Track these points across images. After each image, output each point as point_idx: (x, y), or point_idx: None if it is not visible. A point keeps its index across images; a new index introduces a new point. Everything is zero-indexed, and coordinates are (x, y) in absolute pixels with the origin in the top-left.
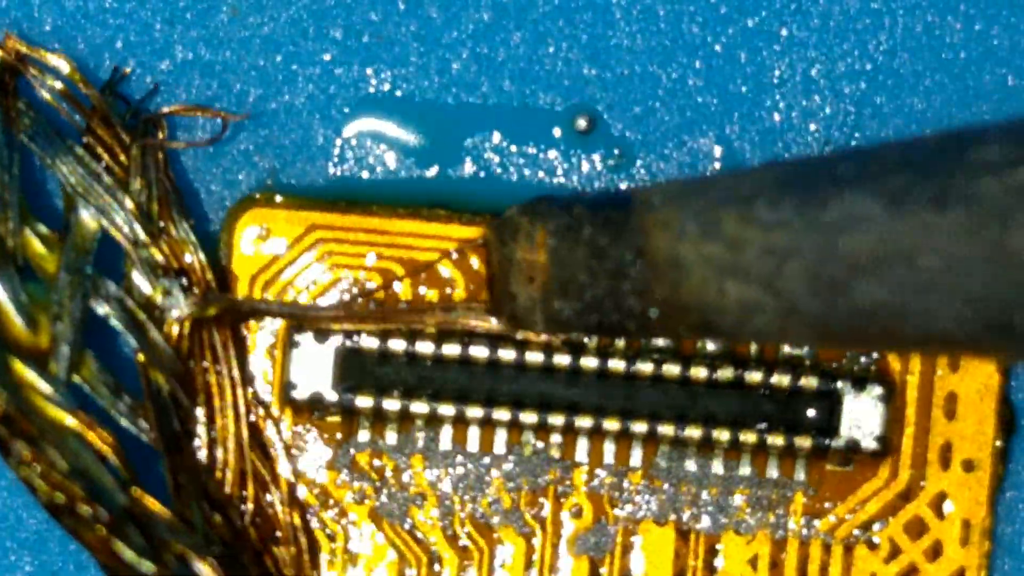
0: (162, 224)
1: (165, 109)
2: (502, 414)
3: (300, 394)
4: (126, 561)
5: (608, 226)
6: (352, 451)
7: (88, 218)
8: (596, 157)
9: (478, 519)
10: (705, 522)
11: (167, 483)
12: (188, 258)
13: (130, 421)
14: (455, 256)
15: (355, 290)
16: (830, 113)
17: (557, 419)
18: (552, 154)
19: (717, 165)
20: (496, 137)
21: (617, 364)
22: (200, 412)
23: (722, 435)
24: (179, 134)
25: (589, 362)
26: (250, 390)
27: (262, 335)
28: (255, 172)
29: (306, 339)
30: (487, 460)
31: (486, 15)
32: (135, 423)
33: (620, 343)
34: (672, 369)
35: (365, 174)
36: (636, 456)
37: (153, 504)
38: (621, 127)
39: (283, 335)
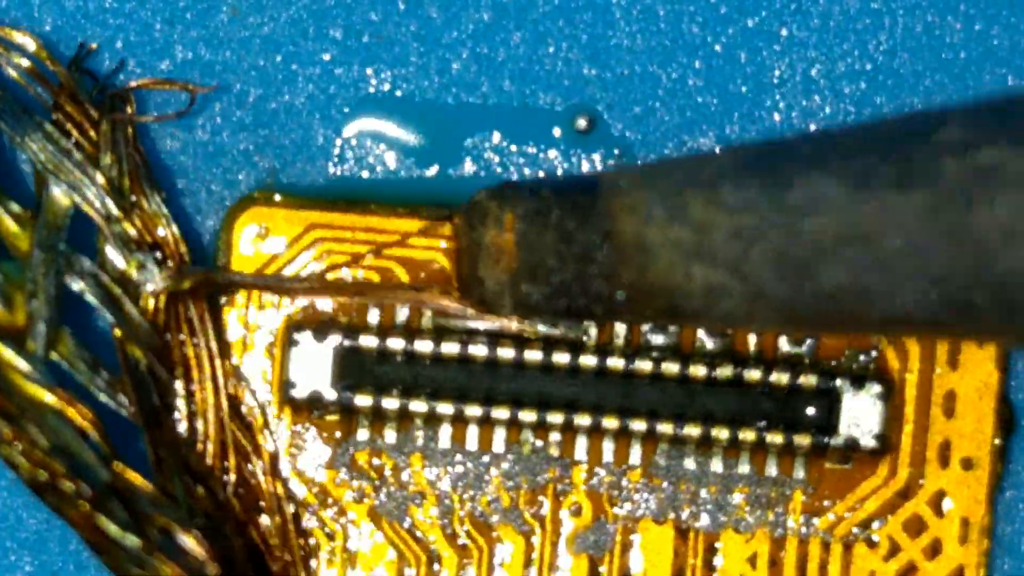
0: (134, 198)
1: (132, 83)
2: (501, 413)
3: (299, 393)
4: (110, 536)
5: (576, 210)
6: (351, 450)
7: (60, 195)
8: (596, 157)
9: (477, 518)
10: (704, 520)
11: (148, 457)
12: (161, 232)
13: (109, 396)
14: (415, 238)
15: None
16: (830, 113)
17: (556, 417)
18: (552, 154)
19: None
20: (496, 137)
21: (616, 362)
22: (179, 385)
23: (721, 433)
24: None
25: (588, 360)
26: (228, 362)
27: (261, 334)
28: (255, 172)
29: (305, 338)
30: (486, 459)
31: (486, 15)
32: (114, 398)
33: (619, 340)
34: (671, 367)
35: (365, 174)
36: (635, 454)
37: (135, 478)
38: (621, 127)
39: (282, 334)
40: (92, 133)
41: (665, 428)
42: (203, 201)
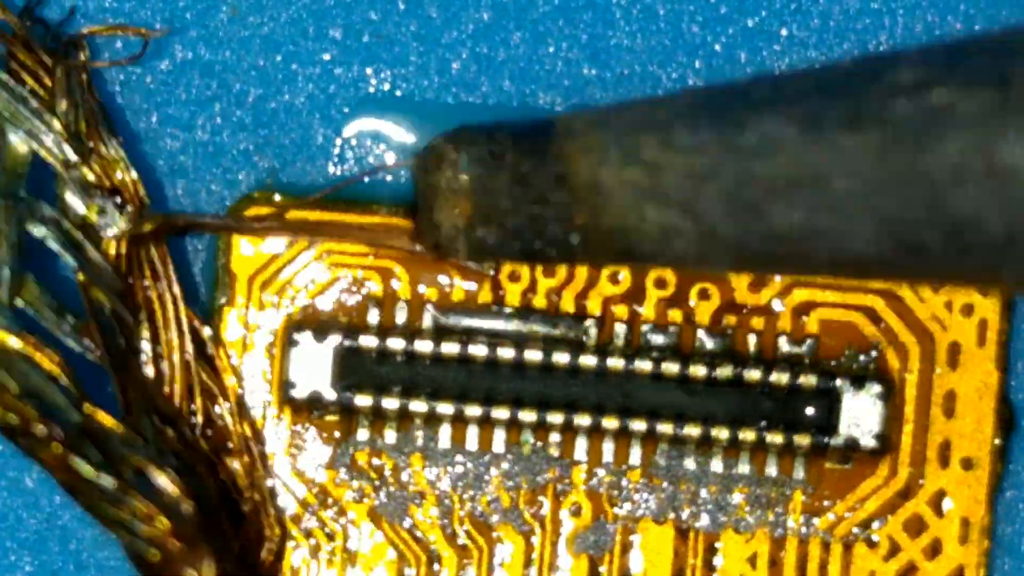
0: (91, 144)
1: (85, 30)
2: (501, 413)
3: (299, 393)
4: (85, 477)
5: (530, 153)
6: (351, 450)
7: (17, 142)
8: None
9: (477, 518)
10: (704, 520)
11: (117, 399)
12: (120, 176)
13: (75, 341)
14: (374, 177)
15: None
16: None
17: (556, 418)
18: None
19: None
20: None
21: (616, 362)
22: (144, 329)
23: (721, 433)
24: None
25: (588, 360)
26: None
27: (260, 334)
28: (255, 172)
29: (305, 338)
30: (486, 459)
31: (486, 15)
32: (80, 343)
33: (619, 341)
34: (671, 367)
35: None
36: (635, 454)
37: (106, 419)
38: None
39: (282, 334)
40: (47, 80)
41: (665, 428)
42: (203, 201)
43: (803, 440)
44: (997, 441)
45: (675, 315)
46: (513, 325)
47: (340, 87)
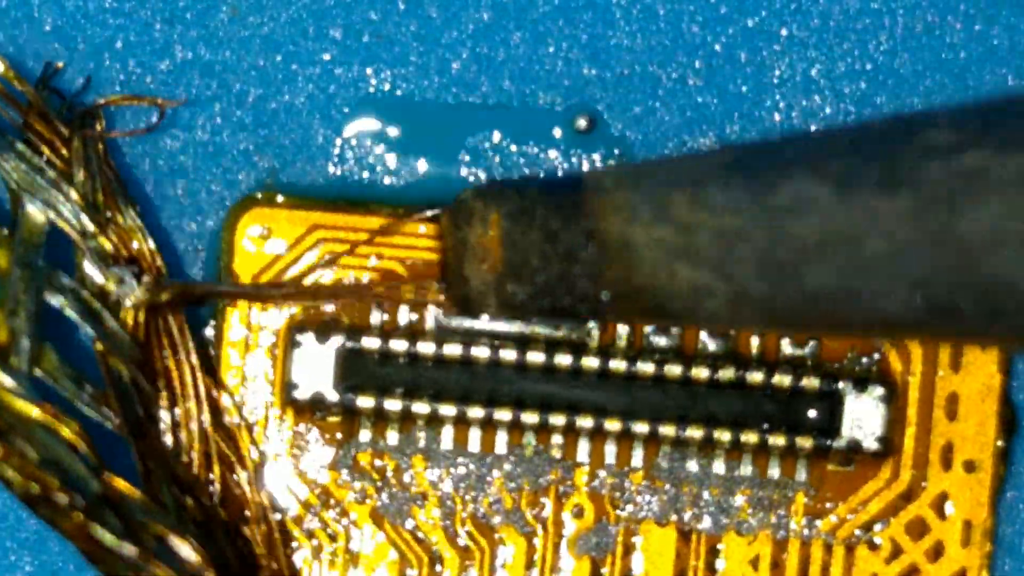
0: (108, 214)
1: (101, 100)
2: (503, 414)
3: (301, 394)
4: (106, 545)
5: (561, 209)
6: (353, 451)
7: (35, 212)
8: (596, 157)
9: (479, 519)
10: (706, 522)
11: (136, 468)
12: (136, 245)
13: (94, 410)
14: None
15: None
16: (830, 113)
17: (558, 419)
18: (552, 154)
19: None
20: (496, 137)
21: (618, 364)
22: (162, 397)
23: (723, 435)
24: (173, 131)
25: (590, 362)
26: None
27: (263, 335)
28: (255, 172)
29: (307, 339)
30: (488, 460)
31: (486, 15)
32: (99, 411)
33: (621, 343)
34: (673, 369)
35: (365, 174)
36: (637, 456)
37: (126, 487)
38: (621, 127)
39: (284, 335)
40: (63, 150)
41: (667, 430)
42: (203, 201)
43: (805, 442)
44: (999, 443)
45: None
46: (516, 327)
47: (340, 87)
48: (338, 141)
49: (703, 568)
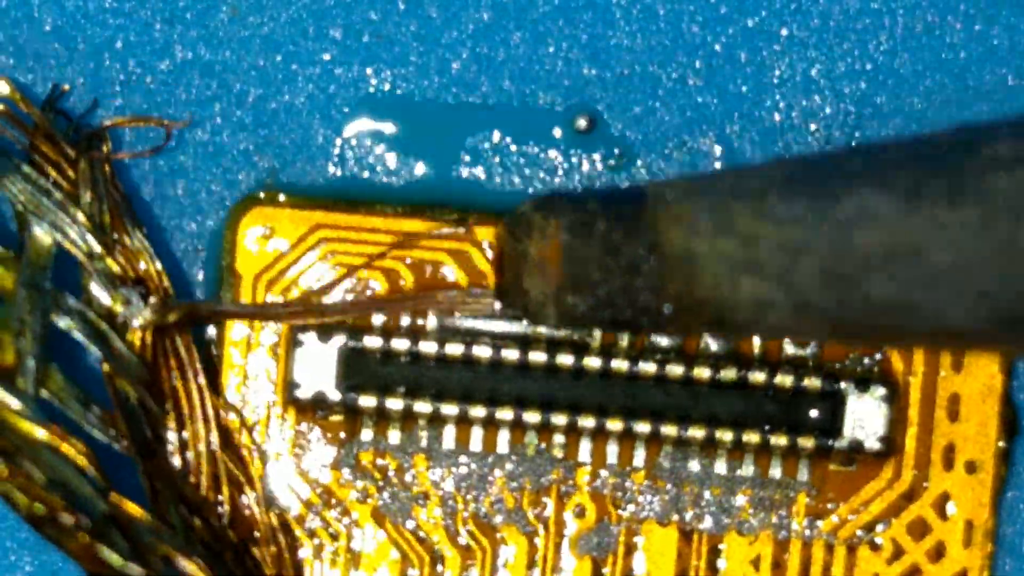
0: (115, 235)
1: (107, 122)
2: (505, 414)
3: (303, 393)
4: (113, 566)
5: (621, 221)
6: (355, 450)
7: (42, 234)
8: (596, 157)
9: (481, 519)
10: (708, 522)
11: (144, 489)
12: (143, 266)
13: (101, 431)
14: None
15: (349, 286)
16: (830, 113)
17: (560, 419)
18: (552, 154)
19: (717, 165)
20: (496, 137)
21: (620, 364)
22: (170, 418)
23: (725, 435)
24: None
25: (592, 362)
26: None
27: (265, 334)
28: (255, 172)
29: (310, 338)
30: (490, 460)
31: (486, 15)
32: (106, 433)
33: (623, 342)
34: (675, 369)
35: (365, 174)
36: (639, 456)
37: (133, 509)
38: (621, 127)
39: (286, 334)
40: (70, 172)
41: (669, 430)
42: (203, 201)
43: (807, 442)
44: (1001, 444)
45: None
46: (517, 326)
47: (340, 87)
48: (338, 141)
49: (704, 568)
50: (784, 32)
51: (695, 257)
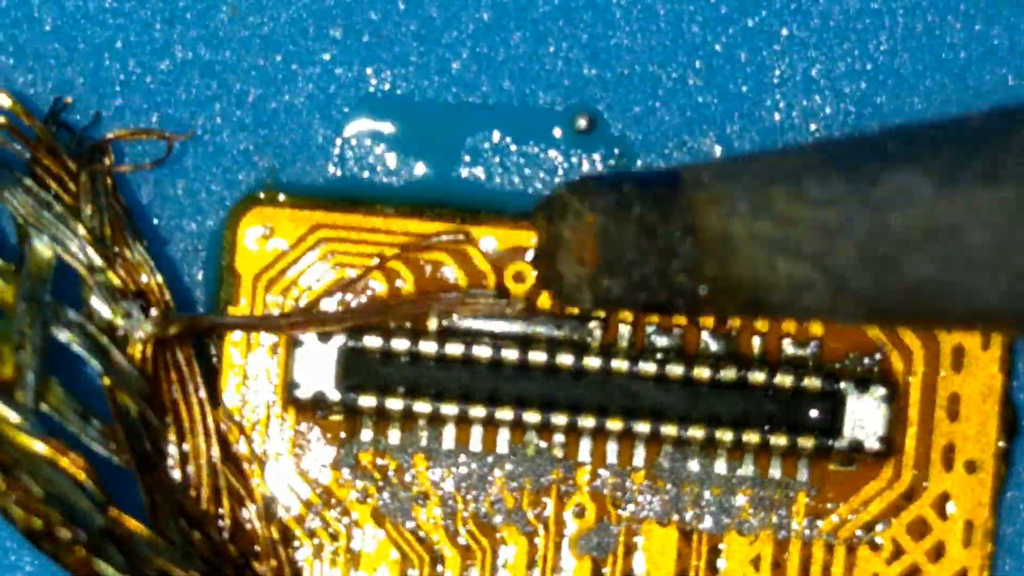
0: (116, 248)
1: (109, 135)
2: (505, 414)
3: (303, 393)
4: None
5: (657, 204)
6: (355, 450)
7: (42, 247)
8: (596, 157)
9: (481, 519)
10: (708, 522)
11: (143, 502)
12: (144, 279)
13: (101, 444)
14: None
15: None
16: (830, 113)
17: (560, 419)
18: (552, 154)
19: None
20: (496, 137)
21: (620, 364)
22: (170, 432)
23: (725, 435)
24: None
25: (592, 362)
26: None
27: (265, 335)
28: (255, 172)
29: (309, 338)
30: (490, 459)
31: (486, 15)
32: (106, 446)
33: (623, 342)
34: (675, 369)
35: (365, 174)
36: (639, 456)
37: (131, 523)
38: (621, 127)
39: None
40: (71, 185)
41: (669, 430)
42: (203, 201)
43: (807, 442)
44: (1001, 444)
45: (679, 317)
46: (517, 326)
47: (340, 87)
48: (338, 141)
49: (704, 568)
50: (784, 32)
51: (732, 239)
